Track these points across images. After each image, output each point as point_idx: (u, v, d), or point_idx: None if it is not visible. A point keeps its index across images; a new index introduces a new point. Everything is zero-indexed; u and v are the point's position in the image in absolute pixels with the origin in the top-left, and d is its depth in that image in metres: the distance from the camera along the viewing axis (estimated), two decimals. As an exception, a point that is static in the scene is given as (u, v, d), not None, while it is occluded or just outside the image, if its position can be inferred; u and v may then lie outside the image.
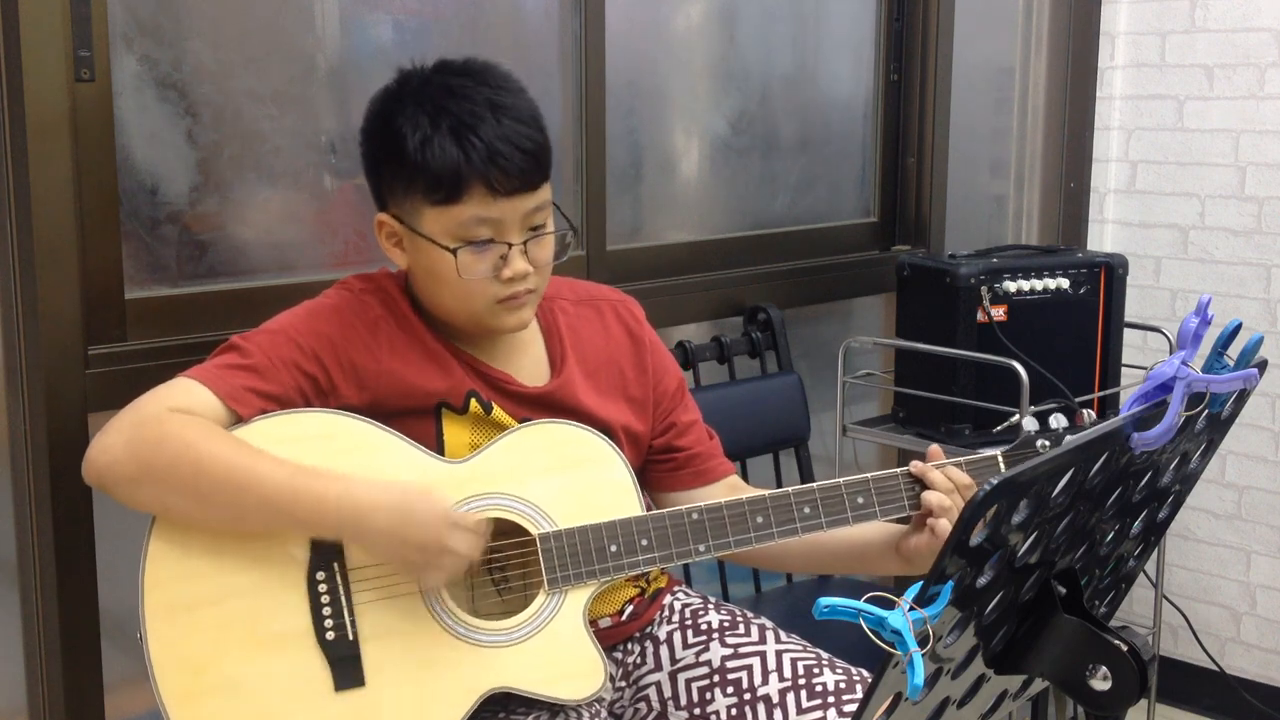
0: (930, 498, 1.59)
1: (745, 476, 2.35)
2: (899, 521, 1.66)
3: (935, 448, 1.65)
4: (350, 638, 1.51)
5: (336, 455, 1.53)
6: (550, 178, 1.60)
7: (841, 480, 1.62)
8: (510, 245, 1.56)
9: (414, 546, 1.48)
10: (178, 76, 1.90)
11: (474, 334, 1.65)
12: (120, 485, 1.47)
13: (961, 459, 1.63)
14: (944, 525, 1.58)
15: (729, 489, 1.79)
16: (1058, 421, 1.63)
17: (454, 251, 1.54)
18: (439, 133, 1.52)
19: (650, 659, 1.75)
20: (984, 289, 2.57)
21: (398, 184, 1.57)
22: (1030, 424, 1.63)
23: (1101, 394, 2.71)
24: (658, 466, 1.79)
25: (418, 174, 1.54)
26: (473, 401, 1.61)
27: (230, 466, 1.45)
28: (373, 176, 1.63)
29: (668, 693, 1.72)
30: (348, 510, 1.47)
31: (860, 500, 1.61)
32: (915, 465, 1.62)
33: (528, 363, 1.68)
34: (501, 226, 1.55)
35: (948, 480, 1.60)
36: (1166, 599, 3.13)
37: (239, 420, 1.51)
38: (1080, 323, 2.68)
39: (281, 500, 1.46)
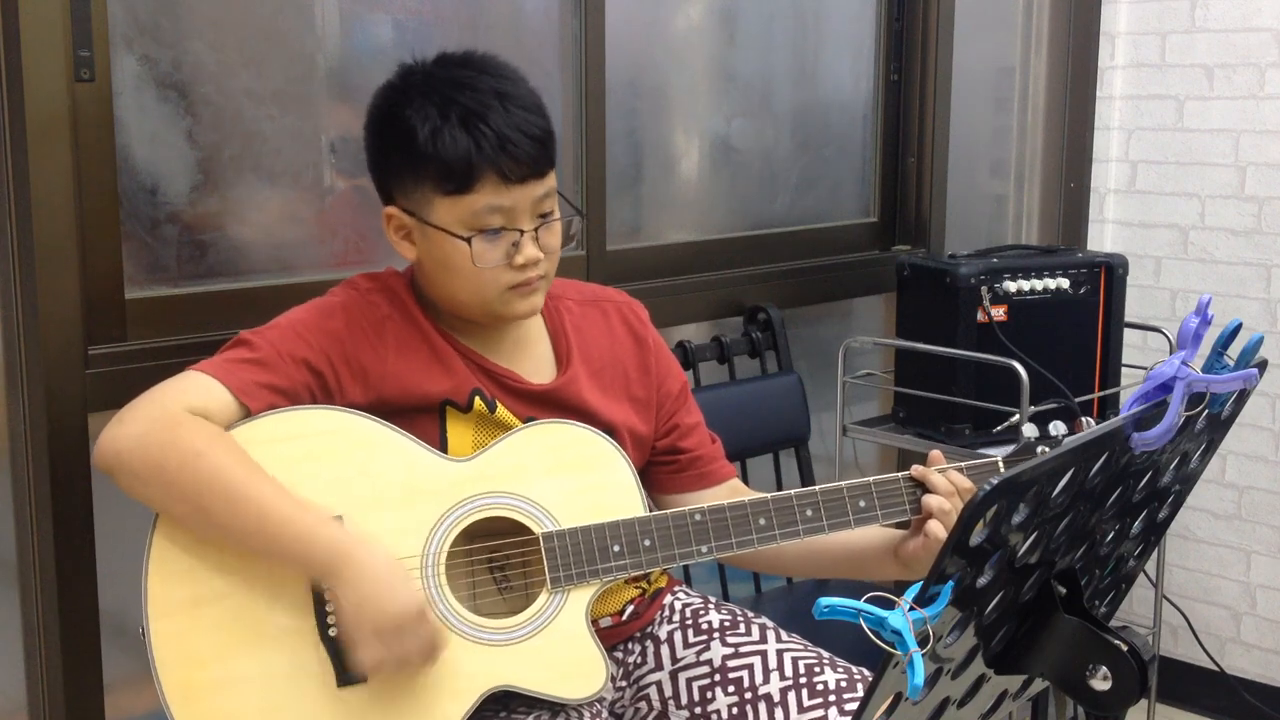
0: (930, 501, 1.59)
1: (745, 476, 2.35)
2: (899, 526, 1.66)
3: (936, 452, 1.65)
4: (352, 636, 1.51)
5: (342, 452, 1.53)
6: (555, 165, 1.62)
7: (844, 483, 1.62)
8: (522, 232, 1.57)
9: (372, 623, 1.45)
10: (178, 76, 1.90)
11: (482, 327, 1.65)
12: (125, 477, 1.48)
13: (962, 463, 1.63)
14: (936, 528, 1.58)
15: (730, 492, 1.79)
16: (1057, 429, 1.62)
17: (468, 240, 1.55)
18: (449, 123, 1.53)
19: (651, 658, 1.75)
20: (984, 289, 2.57)
21: (407, 176, 1.58)
22: (1030, 430, 1.63)
23: (1101, 394, 2.71)
24: (661, 468, 1.79)
25: (428, 165, 1.54)
26: (477, 400, 1.62)
27: (231, 483, 1.46)
28: (378, 171, 1.64)
29: (668, 692, 1.72)
30: (337, 559, 1.46)
31: (862, 503, 1.61)
32: (916, 469, 1.62)
33: (533, 360, 1.69)
34: (513, 214, 1.57)
35: (949, 484, 1.60)
36: (1166, 599, 3.13)
37: (248, 414, 1.51)
38: (1080, 323, 2.68)
39: (273, 526, 1.46)
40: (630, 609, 1.73)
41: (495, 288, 1.59)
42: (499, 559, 1.59)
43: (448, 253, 1.57)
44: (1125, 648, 1.09)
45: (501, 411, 1.63)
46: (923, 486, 1.61)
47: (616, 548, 1.58)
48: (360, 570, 1.45)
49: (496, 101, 1.55)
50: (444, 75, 1.58)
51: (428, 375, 1.60)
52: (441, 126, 1.53)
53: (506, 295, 1.60)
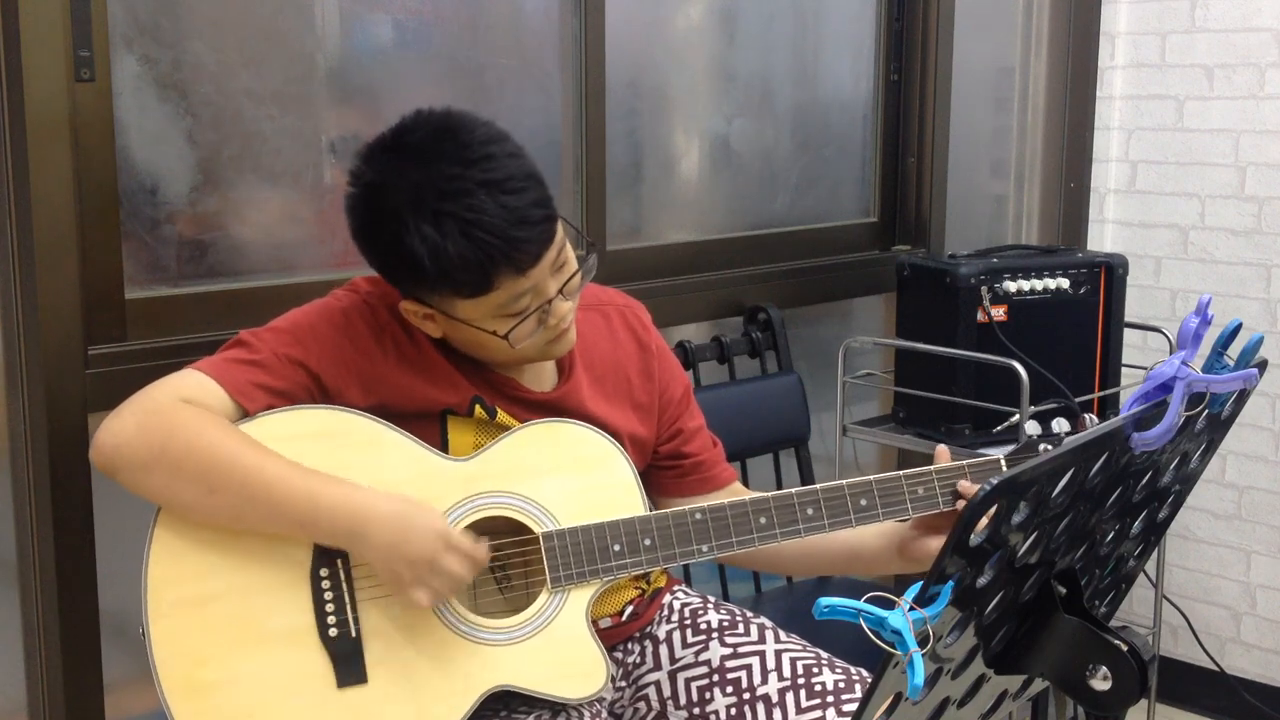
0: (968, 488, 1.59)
1: (745, 476, 2.35)
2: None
3: (943, 448, 1.64)
4: (353, 634, 1.51)
5: (343, 451, 1.53)
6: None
7: (845, 482, 1.62)
8: (550, 300, 1.55)
9: (406, 562, 1.47)
10: (178, 76, 1.90)
11: None
12: (128, 470, 1.47)
13: (964, 462, 1.63)
14: None
15: (731, 496, 1.79)
16: (1060, 426, 1.62)
17: (506, 336, 1.54)
18: (449, 238, 1.46)
19: (650, 658, 1.75)
20: (984, 289, 2.57)
21: (420, 287, 1.53)
22: (1033, 427, 1.63)
23: (1101, 394, 2.71)
24: (664, 473, 1.79)
25: (440, 281, 1.49)
26: (477, 407, 1.61)
27: (239, 461, 1.46)
28: (384, 274, 1.58)
29: (667, 692, 1.72)
30: (343, 517, 1.47)
31: (863, 502, 1.61)
32: (942, 449, 1.62)
33: (535, 368, 1.68)
34: (539, 289, 1.53)
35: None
36: (1166, 599, 3.13)
37: (245, 415, 1.51)
38: (1080, 323, 2.68)
39: (284, 498, 1.47)
40: (630, 609, 1.73)
41: (535, 348, 1.58)
42: (500, 558, 1.59)
43: (483, 340, 1.56)
44: (1125, 648, 1.09)
45: (502, 417, 1.62)
46: (922, 486, 1.60)
47: (617, 547, 1.58)
48: (376, 523, 1.46)
49: (487, 197, 1.46)
50: (422, 178, 1.47)
51: (428, 385, 1.60)
52: (443, 244, 1.46)
53: (545, 348, 1.60)
